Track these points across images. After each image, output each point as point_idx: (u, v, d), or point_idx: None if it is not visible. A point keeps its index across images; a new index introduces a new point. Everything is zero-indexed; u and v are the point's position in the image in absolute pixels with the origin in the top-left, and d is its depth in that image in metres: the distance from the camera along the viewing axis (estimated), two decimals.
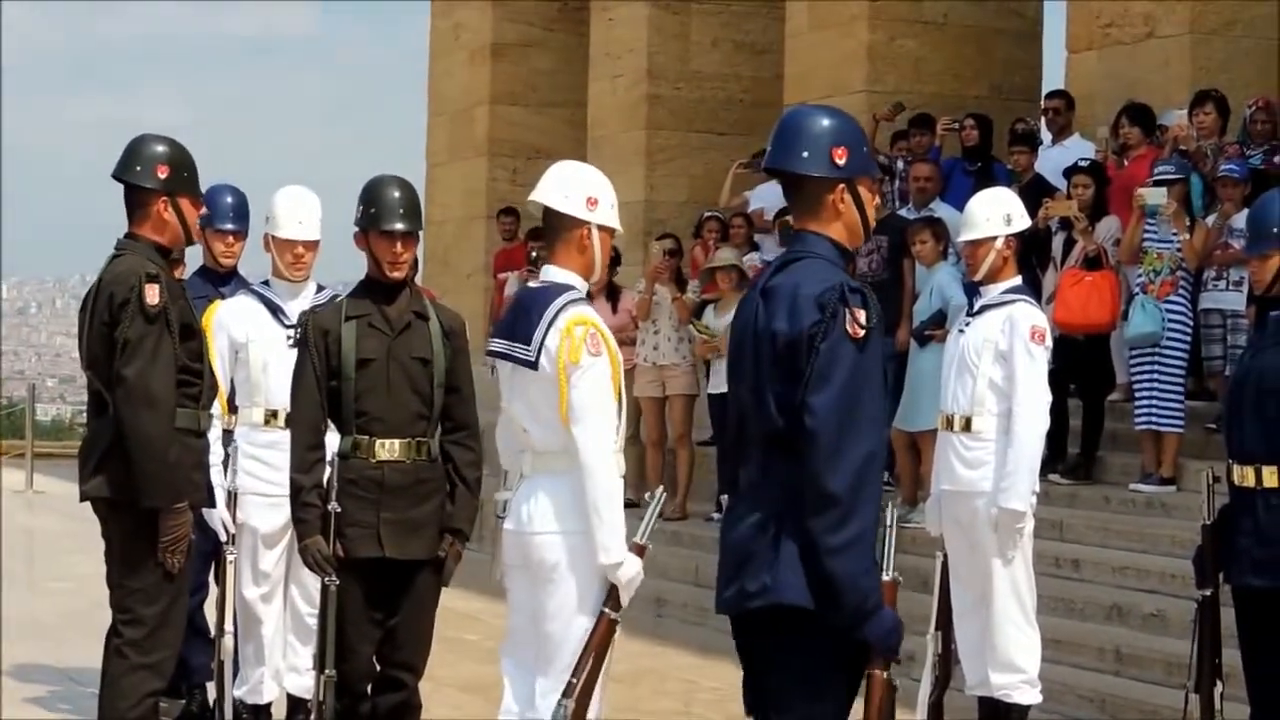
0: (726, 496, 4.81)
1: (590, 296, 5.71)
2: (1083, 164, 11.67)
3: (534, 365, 5.45)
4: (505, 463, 5.77)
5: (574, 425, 5.39)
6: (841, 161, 4.64)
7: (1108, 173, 11.89)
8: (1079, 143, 12.75)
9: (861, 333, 4.46)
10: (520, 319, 5.53)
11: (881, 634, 4.46)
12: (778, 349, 4.51)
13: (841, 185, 4.65)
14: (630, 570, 5.51)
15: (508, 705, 5.61)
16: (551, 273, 5.57)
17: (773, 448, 4.53)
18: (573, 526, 5.46)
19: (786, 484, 4.47)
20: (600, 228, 5.58)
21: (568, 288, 5.52)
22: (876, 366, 4.54)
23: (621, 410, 5.54)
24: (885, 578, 4.58)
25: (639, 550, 5.55)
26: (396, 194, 6.25)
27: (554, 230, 5.58)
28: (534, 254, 14.65)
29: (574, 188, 5.59)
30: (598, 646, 5.37)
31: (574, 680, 5.30)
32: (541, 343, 5.43)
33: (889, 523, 4.71)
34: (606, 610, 5.44)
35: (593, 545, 5.43)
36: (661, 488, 5.93)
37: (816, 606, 4.42)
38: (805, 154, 4.64)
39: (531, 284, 5.71)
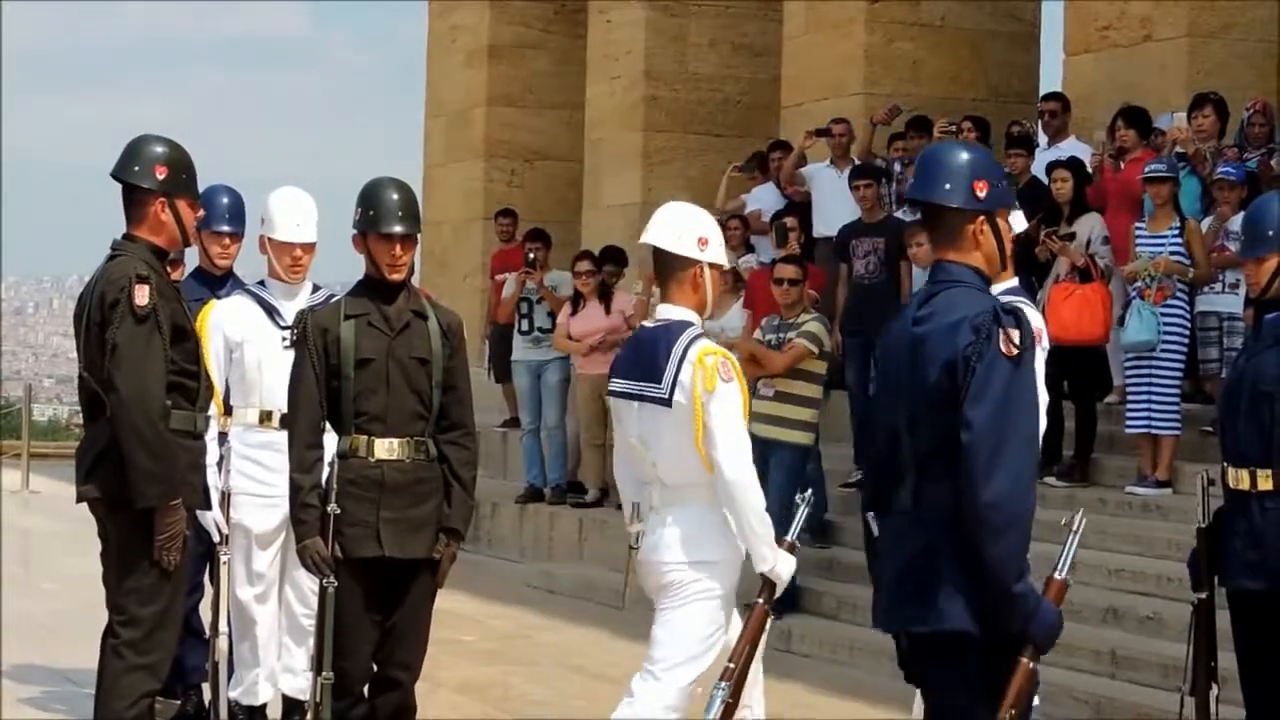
0: (873, 515, 5.06)
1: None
2: (1061, 159, 11.72)
3: (668, 403, 5.78)
4: (629, 495, 6.12)
5: (713, 450, 5.72)
6: (982, 194, 4.90)
7: (1104, 175, 11.91)
8: (1075, 145, 12.76)
9: (1016, 351, 4.69)
10: (644, 358, 5.87)
11: (1042, 631, 4.76)
12: (933, 372, 4.74)
13: (981, 217, 4.92)
14: (786, 570, 5.88)
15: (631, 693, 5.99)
16: (668, 311, 5.91)
17: (927, 468, 4.78)
18: (699, 556, 5.84)
19: (944, 504, 4.72)
20: (711, 265, 5.91)
21: (688, 324, 5.86)
22: (1031, 384, 4.78)
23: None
24: (1058, 577, 4.97)
25: (790, 548, 5.92)
26: (395, 196, 6.24)
27: (668, 269, 5.93)
28: (531, 255, 14.65)
29: (686, 228, 5.92)
30: (752, 637, 5.74)
31: (732, 665, 5.69)
32: (675, 379, 5.76)
33: (1075, 527, 5.07)
34: (760, 601, 5.79)
35: (721, 572, 5.84)
36: (810, 491, 6.38)
37: (979, 624, 4.70)
38: (947, 186, 4.89)
39: (648, 324, 6.00)
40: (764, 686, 6.24)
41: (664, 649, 5.97)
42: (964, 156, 4.96)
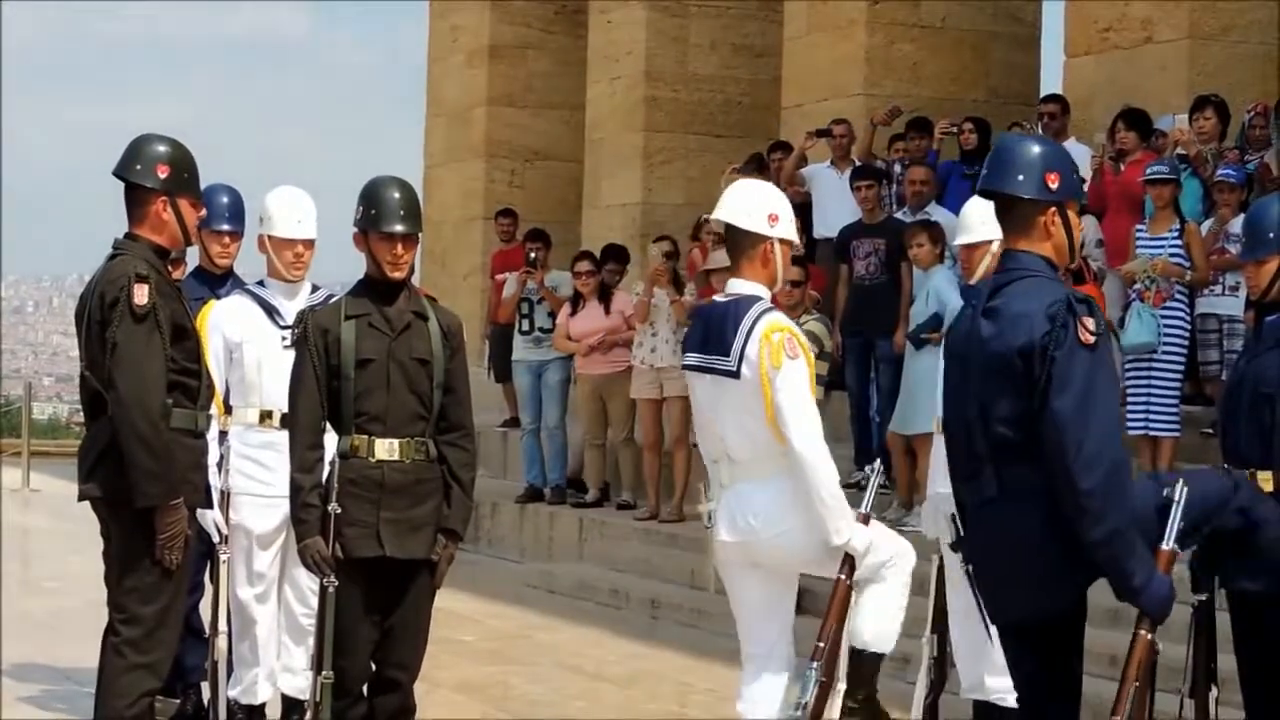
0: (953, 515, 5.28)
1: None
2: None
3: (735, 374, 5.82)
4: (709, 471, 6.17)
5: (783, 425, 5.77)
6: (1054, 185, 5.03)
7: (1105, 177, 11.92)
8: (1074, 146, 12.75)
9: (1092, 339, 4.84)
10: (713, 332, 5.93)
11: (1155, 603, 5.04)
12: (1008, 364, 4.86)
13: (1053, 208, 5.05)
14: (861, 542, 5.91)
15: (752, 698, 6.13)
16: (738, 285, 5.98)
17: (1005, 459, 4.91)
18: (786, 524, 5.88)
19: (1029, 492, 4.88)
20: (781, 241, 5.97)
21: (756, 299, 5.91)
22: (1109, 369, 4.94)
23: None
24: (1165, 548, 5.13)
25: (864, 519, 5.99)
26: (397, 195, 6.24)
27: (738, 245, 6.00)
28: (532, 255, 14.66)
29: (756, 205, 6.00)
30: (838, 613, 5.89)
31: (821, 644, 5.85)
32: (742, 352, 5.81)
33: (1178, 498, 5.17)
34: (842, 577, 5.89)
35: (812, 532, 5.84)
36: (879, 461, 6.57)
37: (1079, 602, 5.01)
38: (1020, 177, 5.01)
39: (719, 298, 6.06)
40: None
41: (774, 632, 6.13)
42: (1036, 149, 5.09)
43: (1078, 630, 5.21)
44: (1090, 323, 4.83)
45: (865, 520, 6.01)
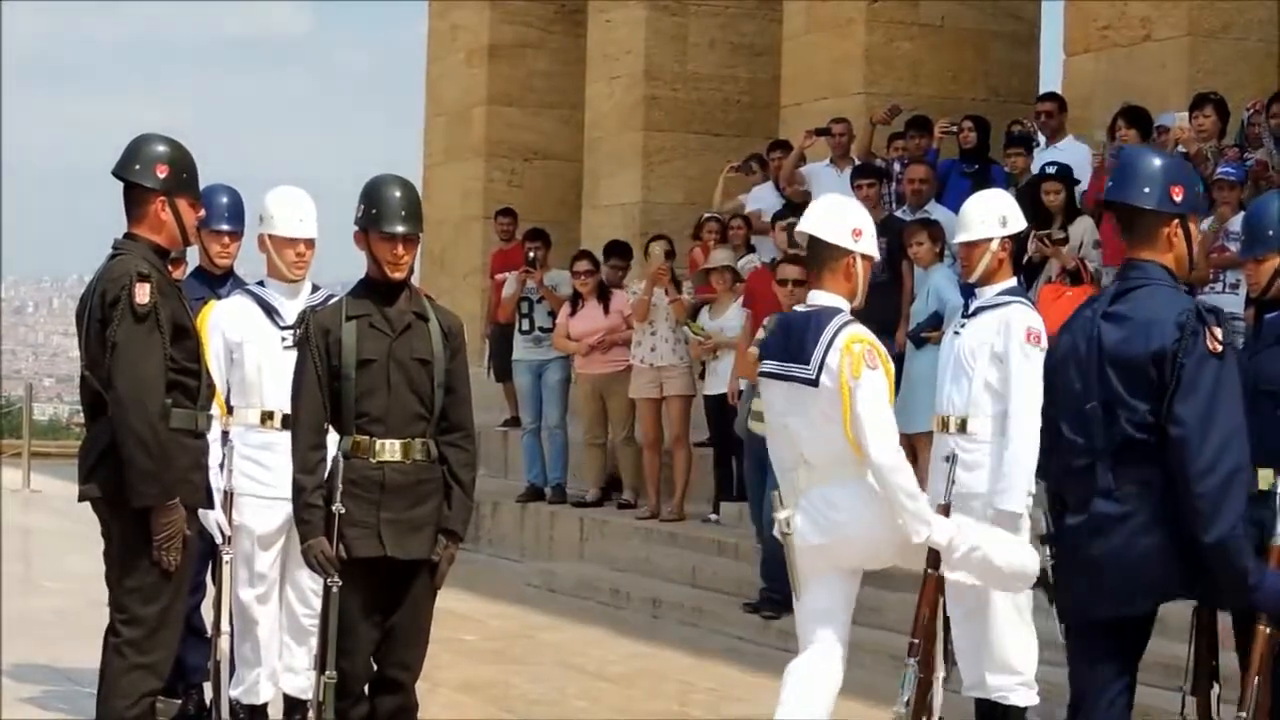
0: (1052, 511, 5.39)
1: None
2: (1050, 170, 11.73)
3: (814, 383, 6.00)
4: (785, 480, 6.32)
5: (860, 435, 5.94)
6: (1177, 198, 5.26)
7: (1106, 175, 11.91)
8: (1072, 144, 12.77)
9: (1220, 348, 5.07)
10: (793, 341, 6.13)
11: (1272, 598, 5.24)
12: (1134, 369, 5.10)
13: (1176, 220, 5.27)
14: (944, 534, 6.07)
15: (796, 672, 6.26)
16: (819, 297, 6.19)
17: (1125, 459, 5.12)
18: (872, 524, 6.05)
19: (1146, 490, 5.11)
20: (864, 256, 6.19)
21: (837, 310, 6.11)
22: (1234, 378, 5.16)
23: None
24: (1277, 543, 5.34)
25: (944, 510, 6.23)
26: (398, 194, 6.23)
27: (820, 258, 6.21)
28: (531, 255, 14.67)
29: (842, 219, 6.20)
30: (930, 604, 6.14)
31: (915, 640, 6.10)
32: (822, 361, 5.99)
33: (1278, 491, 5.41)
34: (930, 570, 6.13)
35: (892, 529, 6.01)
36: (955, 452, 6.76)
37: (1202, 595, 5.27)
38: (1145, 190, 5.23)
39: (799, 308, 6.29)
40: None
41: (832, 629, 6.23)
42: (1160, 162, 5.31)
43: (1147, 634, 5.47)
44: (1219, 332, 5.06)
45: (945, 511, 6.22)
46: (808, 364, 6.03)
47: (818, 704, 6.20)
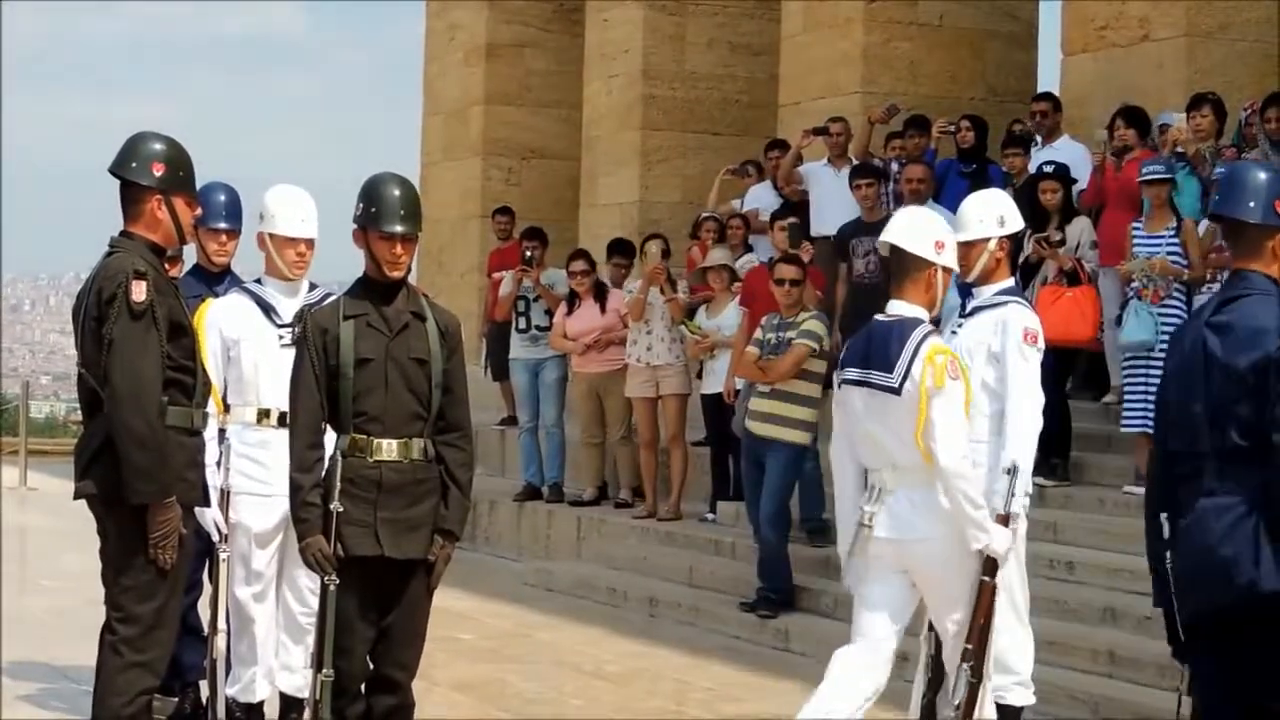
0: (1165, 515, 5.49)
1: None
2: (1047, 169, 11.74)
3: (898, 391, 6.22)
4: (848, 478, 6.54)
5: (931, 441, 6.16)
6: None
7: (1106, 174, 11.92)
8: (1068, 144, 12.78)
9: None
10: (876, 349, 6.33)
11: None
12: (1237, 376, 5.23)
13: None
14: (1003, 543, 6.33)
15: (828, 705, 6.42)
16: (900, 307, 6.39)
17: (1230, 461, 5.25)
18: (940, 531, 6.26)
19: (1251, 492, 5.20)
20: (945, 269, 6.43)
21: (919, 321, 6.33)
22: None
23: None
24: None
25: (1004, 520, 6.41)
26: (397, 193, 6.22)
27: (903, 269, 6.43)
28: (528, 253, 14.66)
29: (925, 232, 6.44)
30: (984, 613, 6.26)
31: (969, 646, 6.23)
32: (907, 370, 6.21)
33: None
34: (986, 579, 6.29)
35: (952, 543, 6.25)
36: (1014, 460, 6.87)
37: None
38: (1250, 204, 5.40)
39: (881, 318, 6.43)
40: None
41: (959, 624, 6.35)
42: (1265, 176, 5.46)
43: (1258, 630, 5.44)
44: None
45: (1005, 521, 6.41)
46: (890, 372, 6.25)
47: (855, 698, 6.41)
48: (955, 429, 6.20)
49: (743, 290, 12.75)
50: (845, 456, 6.59)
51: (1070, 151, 12.52)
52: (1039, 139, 13.07)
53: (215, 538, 7.26)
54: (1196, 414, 5.35)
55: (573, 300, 14.02)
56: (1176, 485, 5.45)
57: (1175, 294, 10.79)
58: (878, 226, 12.38)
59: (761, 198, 14.58)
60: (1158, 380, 10.52)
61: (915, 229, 6.46)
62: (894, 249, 6.43)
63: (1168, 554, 5.57)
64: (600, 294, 13.90)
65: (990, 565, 6.30)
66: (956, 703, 6.16)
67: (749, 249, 13.87)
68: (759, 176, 14.91)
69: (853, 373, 6.43)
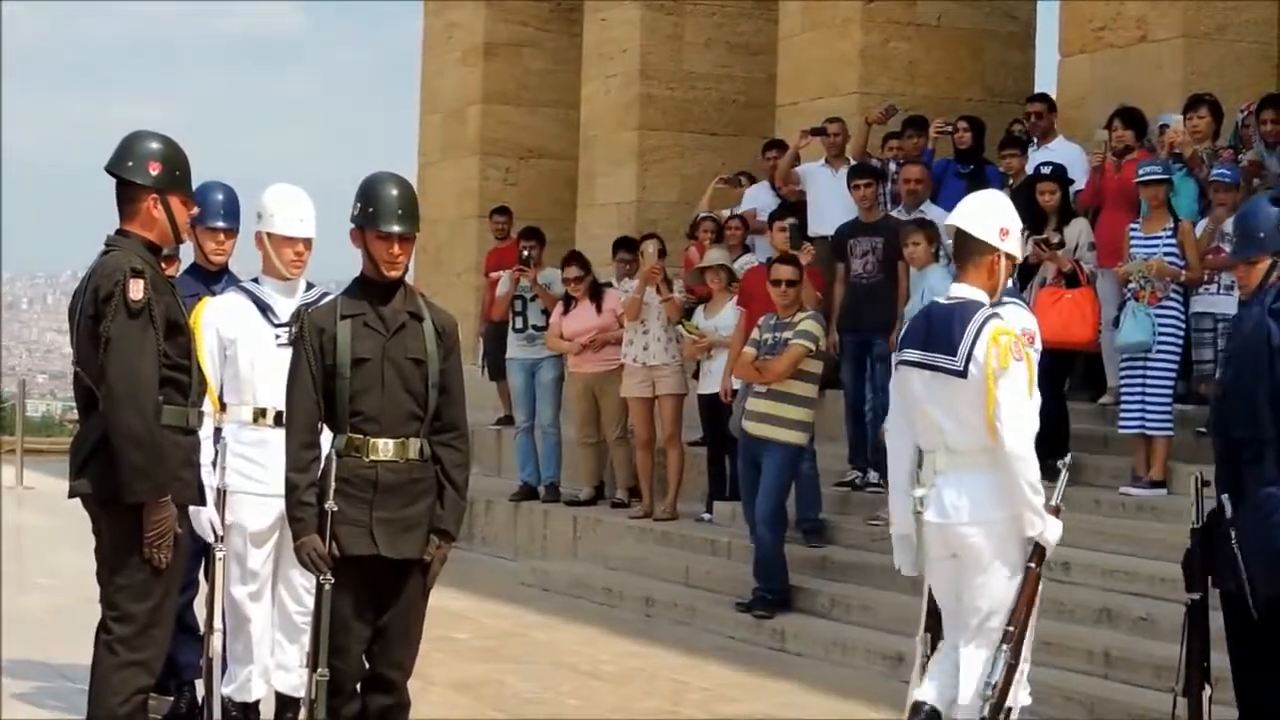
0: (1226, 496, 5.68)
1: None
2: (1045, 170, 11.73)
3: (963, 374, 6.22)
4: (903, 462, 6.56)
5: (1000, 423, 6.16)
6: None
7: (1106, 174, 11.92)
8: (1063, 144, 12.78)
9: None
10: (937, 332, 6.33)
11: None
12: None
13: None
14: (1054, 534, 6.31)
15: (926, 688, 6.44)
16: (961, 290, 6.40)
17: None
18: (991, 516, 6.25)
19: None
20: (1007, 255, 6.43)
21: (980, 304, 6.32)
22: None
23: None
24: None
25: (1055, 511, 6.35)
26: (395, 193, 6.22)
27: (967, 252, 6.43)
28: (525, 253, 14.67)
29: (991, 217, 6.44)
30: (1029, 600, 6.26)
31: (1011, 629, 6.22)
32: (970, 353, 6.19)
33: None
34: (1033, 565, 6.28)
35: (1013, 527, 6.25)
36: (1071, 455, 7.03)
37: None
38: None
39: (941, 300, 6.47)
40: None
41: (981, 612, 6.33)
42: None
43: None
44: None
45: (1056, 512, 6.36)
46: (954, 355, 6.24)
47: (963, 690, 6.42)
48: (1020, 410, 6.22)
49: (740, 290, 12.75)
50: (902, 438, 6.59)
51: (1065, 152, 12.52)
52: (1034, 140, 13.07)
53: (208, 538, 7.23)
54: (1259, 400, 5.42)
55: (569, 300, 14.02)
56: (1240, 469, 5.51)
57: (1172, 295, 10.79)
58: (875, 227, 12.48)
59: (759, 198, 14.58)
60: (1154, 381, 10.68)
61: (981, 214, 6.48)
62: (959, 232, 6.46)
63: (1232, 531, 5.62)
64: (596, 294, 13.90)
65: (1039, 553, 6.31)
66: (993, 681, 6.20)
67: (746, 250, 13.87)
68: (750, 183, 14.90)
69: (912, 354, 6.41)
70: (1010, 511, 6.26)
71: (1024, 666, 6.39)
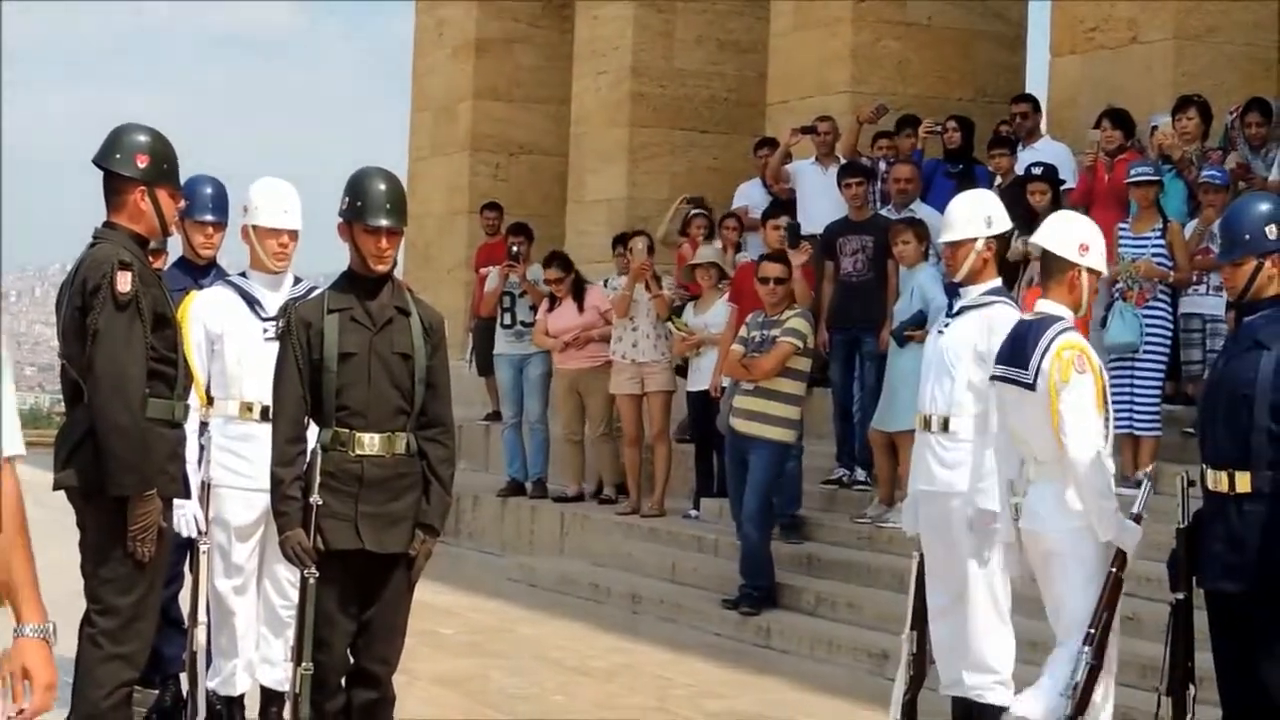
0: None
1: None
2: (1036, 171, 11.74)
3: (1032, 387, 6.56)
4: (1006, 471, 6.95)
5: (1063, 433, 6.45)
6: None
7: (1097, 173, 11.92)
8: (1049, 144, 12.80)
9: None
10: (1019, 348, 6.68)
11: None
12: None
13: None
14: (1131, 540, 6.55)
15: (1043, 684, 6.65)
16: (1045, 305, 6.74)
17: None
18: (1065, 525, 6.56)
19: None
20: (1089, 271, 6.73)
21: (1058, 319, 6.63)
22: None
23: (1109, 417, 6.70)
24: None
25: (1136, 519, 6.59)
26: (383, 187, 6.23)
27: (1050, 270, 6.77)
28: (514, 249, 14.67)
29: (1071, 235, 6.76)
30: (1109, 603, 6.48)
31: (1093, 630, 6.45)
32: (1038, 367, 6.53)
33: None
34: (1114, 570, 6.51)
35: (1087, 535, 6.51)
36: (1152, 466, 7.50)
37: None
38: None
39: (1027, 316, 6.84)
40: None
41: (1067, 616, 6.61)
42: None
43: None
44: None
45: (1137, 520, 6.59)
46: (1026, 369, 6.58)
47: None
48: (1084, 422, 6.47)
49: (733, 287, 12.75)
50: (1004, 449, 6.96)
51: (1052, 152, 12.54)
52: (1020, 140, 13.08)
53: (187, 533, 7.16)
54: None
55: (553, 299, 14.04)
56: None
57: (1160, 295, 10.81)
58: (865, 225, 12.48)
59: (751, 195, 14.58)
60: (1142, 381, 10.69)
61: (1062, 231, 6.76)
62: (1044, 251, 6.74)
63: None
64: (579, 293, 13.92)
65: (1120, 559, 6.52)
66: (1075, 682, 6.40)
67: (739, 249, 13.87)
68: (707, 213, 14.70)
69: (999, 369, 6.78)
70: (1084, 521, 6.52)
71: (1108, 681, 6.60)
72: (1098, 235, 6.84)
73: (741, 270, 12.80)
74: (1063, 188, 11.96)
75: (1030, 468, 6.74)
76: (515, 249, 14.65)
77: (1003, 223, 7.69)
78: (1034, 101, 13.27)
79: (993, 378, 6.87)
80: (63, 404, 6.48)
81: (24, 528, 3.81)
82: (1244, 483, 6.06)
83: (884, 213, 12.68)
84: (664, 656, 10.34)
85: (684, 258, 14.12)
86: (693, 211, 14.54)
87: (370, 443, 6.15)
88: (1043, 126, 13.20)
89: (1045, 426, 6.55)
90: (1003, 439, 6.98)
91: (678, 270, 14.13)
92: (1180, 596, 6.31)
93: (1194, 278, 11.02)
